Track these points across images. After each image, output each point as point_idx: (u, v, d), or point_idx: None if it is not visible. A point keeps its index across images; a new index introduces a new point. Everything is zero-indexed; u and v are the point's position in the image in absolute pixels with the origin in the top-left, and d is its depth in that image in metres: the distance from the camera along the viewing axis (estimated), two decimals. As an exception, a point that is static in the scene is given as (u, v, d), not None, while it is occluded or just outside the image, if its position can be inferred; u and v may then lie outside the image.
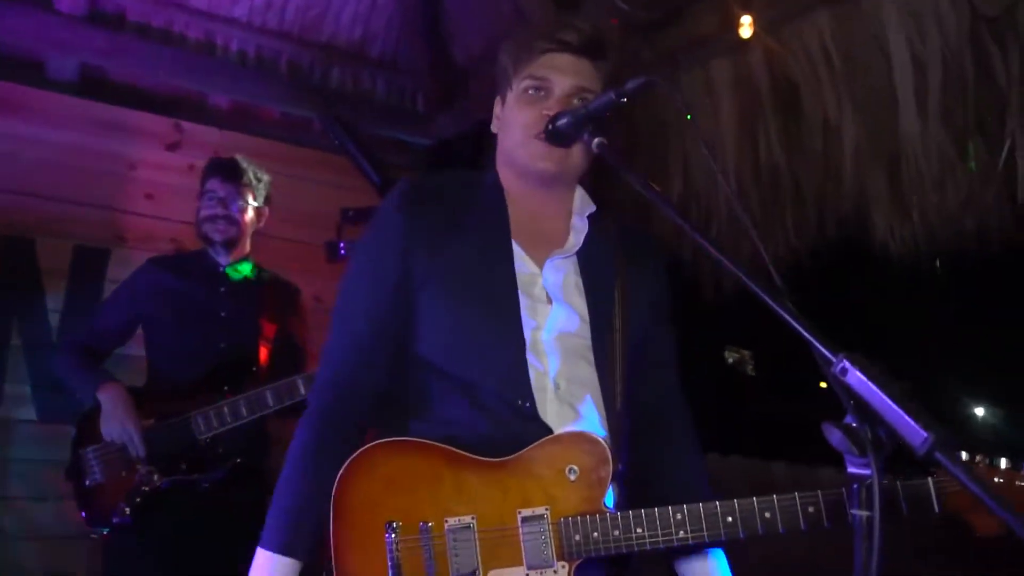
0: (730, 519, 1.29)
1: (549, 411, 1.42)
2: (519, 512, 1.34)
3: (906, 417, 0.86)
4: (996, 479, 1.25)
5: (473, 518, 1.35)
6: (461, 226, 1.52)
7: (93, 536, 2.77)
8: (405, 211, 1.53)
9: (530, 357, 1.44)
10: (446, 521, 1.36)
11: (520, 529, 1.34)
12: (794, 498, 1.28)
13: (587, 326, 1.50)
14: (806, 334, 1.02)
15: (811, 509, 1.28)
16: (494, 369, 1.42)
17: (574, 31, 1.51)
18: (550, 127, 1.45)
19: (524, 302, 1.48)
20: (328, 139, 4.69)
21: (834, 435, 0.95)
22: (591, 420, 1.44)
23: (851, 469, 0.97)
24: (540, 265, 1.53)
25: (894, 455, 0.94)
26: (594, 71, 1.53)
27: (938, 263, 3.63)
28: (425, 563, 1.34)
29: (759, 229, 3.84)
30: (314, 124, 4.75)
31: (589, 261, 1.57)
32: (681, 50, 3.70)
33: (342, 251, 3.30)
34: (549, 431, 1.39)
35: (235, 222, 2.96)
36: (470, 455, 1.37)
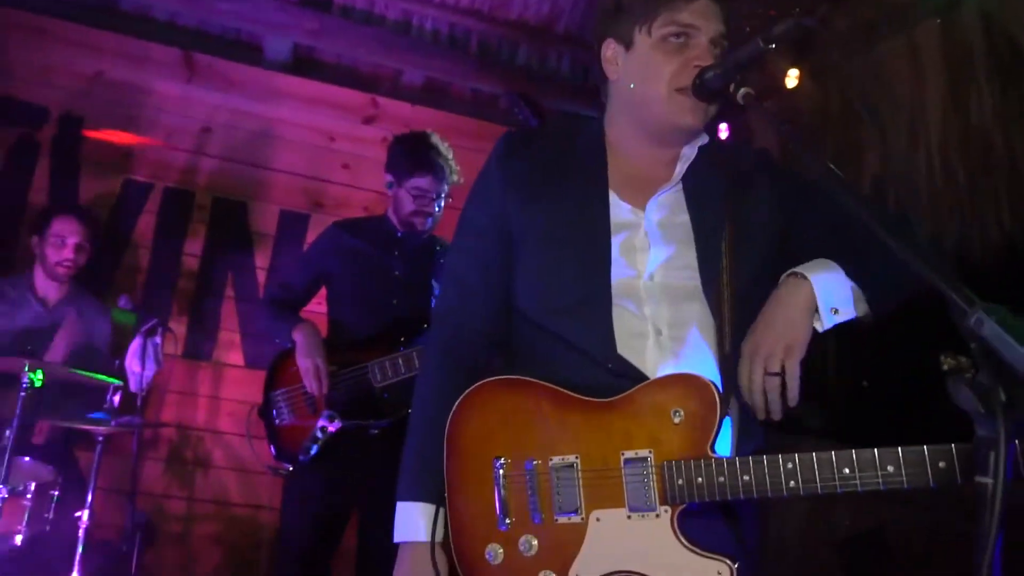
0: (847, 471, 1.17)
1: (648, 359, 1.38)
2: (623, 454, 1.31)
3: None
4: None
5: (577, 458, 1.34)
6: (558, 177, 1.51)
7: (280, 472, 3.04)
8: (503, 164, 1.54)
9: (628, 304, 1.41)
10: (550, 460, 1.36)
11: (623, 471, 1.31)
12: (922, 450, 1.14)
13: (694, 264, 1.44)
14: (939, 281, 0.91)
15: (942, 464, 1.13)
16: (578, 323, 1.41)
17: None
18: (698, 82, 1.39)
19: (620, 249, 1.44)
20: (515, 115, 4.84)
21: (962, 392, 0.85)
22: (699, 364, 1.38)
23: (980, 432, 0.87)
24: (642, 207, 1.48)
25: None
26: (725, 14, 1.46)
27: None
28: (529, 500, 1.36)
29: (967, 206, 3.46)
30: (501, 100, 4.89)
31: (696, 191, 1.50)
32: (881, 17, 3.41)
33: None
34: (646, 379, 1.35)
35: (439, 216, 3.12)
36: (576, 395, 1.36)
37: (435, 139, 3.14)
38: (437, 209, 3.09)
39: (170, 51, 4.35)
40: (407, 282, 3.09)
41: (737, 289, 1.42)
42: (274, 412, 3.02)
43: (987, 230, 3.40)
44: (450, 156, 3.14)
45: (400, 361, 2.87)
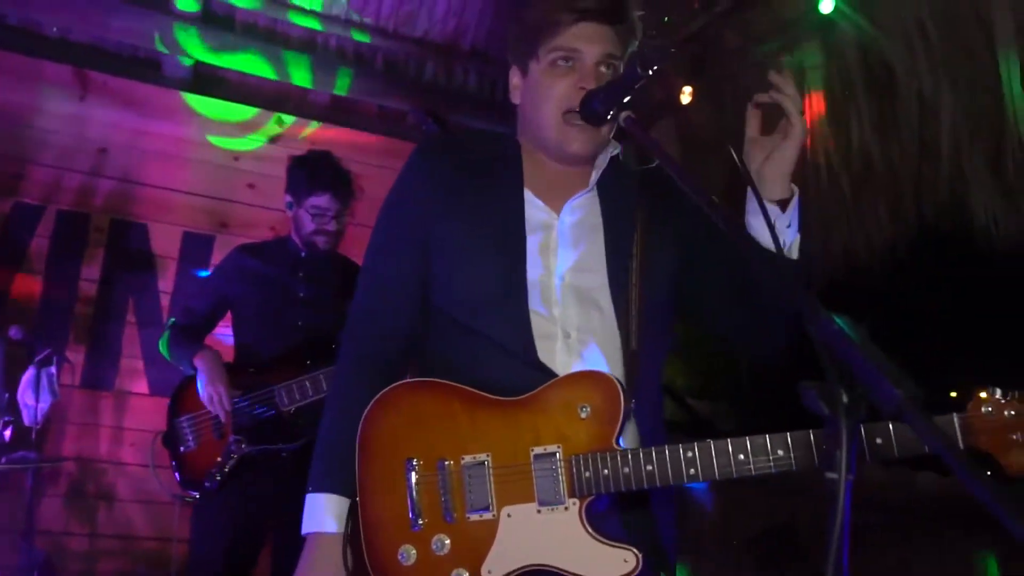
0: (741, 456, 1.26)
1: (558, 360, 1.43)
2: (532, 450, 1.35)
3: (877, 375, 0.82)
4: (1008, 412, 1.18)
5: (488, 455, 1.37)
6: (475, 181, 1.55)
7: (187, 500, 2.97)
8: (422, 169, 1.58)
9: (538, 306, 1.46)
10: (462, 459, 1.38)
11: (532, 466, 1.35)
12: (808, 434, 1.24)
13: (603, 267, 1.49)
14: (792, 292, 0.99)
15: (825, 447, 1.22)
16: (498, 320, 1.44)
17: None
18: (584, 109, 1.43)
19: (535, 250, 1.49)
20: (423, 132, 4.87)
21: (807, 395, 0.92)
22: (603, 363, 1.44)
23: (827, 431, 0.94)
24: (558, 211, 1.54)
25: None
26: (616, 36, 1.51)
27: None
28: (442, 499, 1.38)
29: (852, 214, 3.68)
30: (408, 117, 4.91)
31: (609, 196, 1.56)
32: (769, 32, 3.61)
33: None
34: (555, 377, 1.39)
35: (341, 234, 3.12)
36: (486, 395, 1.40)
37: (332, 158, 3.15)
38: (337, 227, 3.08)
39: (62, 68, 4.20)
40: (312, 303, 3.07)
41: (644, 292, 1.48)
42: (179, 439, 2.95)
43: (871, 239, 3.63)
44: (348, 174, 3.14)
45: (307, 383, 2.85)
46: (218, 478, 2.83)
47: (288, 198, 3.13)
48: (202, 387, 2.86)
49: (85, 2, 4.19)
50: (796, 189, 1.44)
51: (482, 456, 1.38)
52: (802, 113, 1.39)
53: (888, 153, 3.48)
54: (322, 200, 3.04)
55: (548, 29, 1.49)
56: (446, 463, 1.39)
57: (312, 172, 3.08)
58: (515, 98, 1.62)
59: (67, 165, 4.13)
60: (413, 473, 1.40)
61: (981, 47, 3.11)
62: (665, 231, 1.55)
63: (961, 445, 1.20)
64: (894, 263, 3.58)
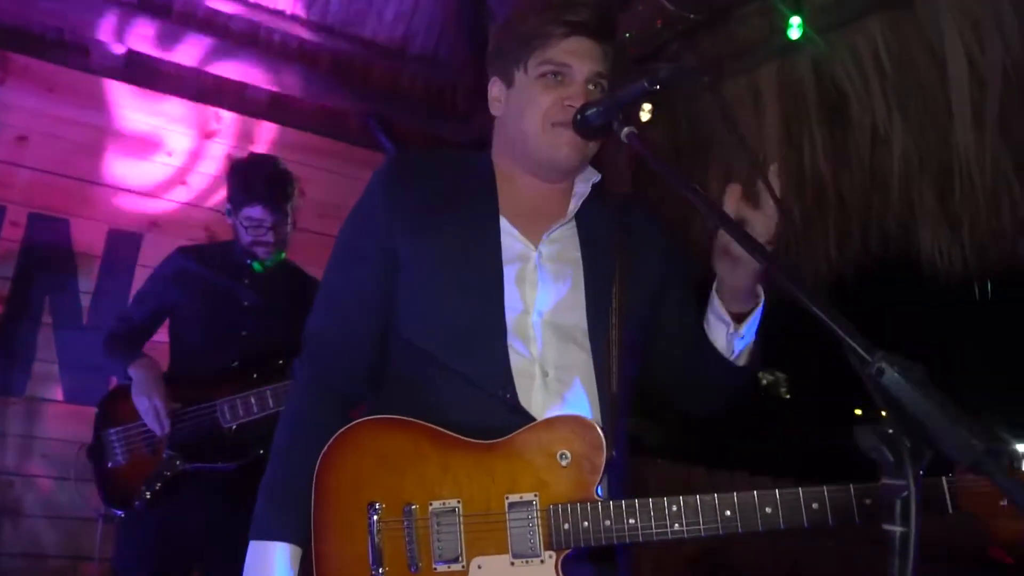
0: (728, 512, 1.19)
1: (535, 401, 1.34)
2: (507, 497, 1.25)
3: (949, 423, 0.77)
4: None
5: (459, 502, 1.26)
6: (447, 206, 1.46)
7: (109, 518, 2.76)
8: (389, 190, 1.47)
9: (516, 343, 1.37)
10: (430, 504, 1.27)
11: (507, 515, 1.24)
12: (797, 493, 1.18)
13: (582, 304, 1.42)
14: (839, 330, 0.92)
15: (815, 506, 1.17)
16: (474, 357, 1.35)
17: (588, 12, 1.45)
18: (579, 118, 1.38)
19: (512, 284, 1.40)
20: (365, 134, 4.72)
21: (867, 439, 0.85)
22: (579, 408, 1.35)
23: (885, 479, 0.87)
24: (535, 242, 1.45)
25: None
26: (604, 54, 1.47)
27: (988, 286, 3.45)
28: (407, 547, 1.26)
29: (801, 241, 3.70)
30: (351, 119, 4.75)
31: (589, 228, 1.49)
32: (727, 55, 3.60)
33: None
34: (533, 421, 1.30)
35: (284, 242, 2.93)
36: (458, 436, 1.29)
37: (270, 165, 2.94)
38: (277, 237, 2.89)
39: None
40: (259, 312, 2.88)
41: (623, 332, 1.41)
42: (106, 453, 2.73)
43: (818, 267, 3.65)
44: (287, 181, 2.92)
45: (252, 399, 2.67)
46: (147, 496, 2.62)
47: (227, 205, 2.94)
48: (137, 398, 2.66)
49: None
50: (761, 296, 1.41)
51: (452, 502, 1.26)
52: (773, 234, 1.33)
53: (839, 181, 3.50)
54: (255, 211, 2.84)
55: (539, 40, 1.45)
56: (412, 508, 1.27)
57: (245, 181, 2.86)
58: (495, 110, 1.55)
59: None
60: (376, 517, 1.28)
61: (934, 80, 3.15)
62: (642, 270, 1.49)
63: (950, 509, 1.16)
64: (840, 292, 3.61)
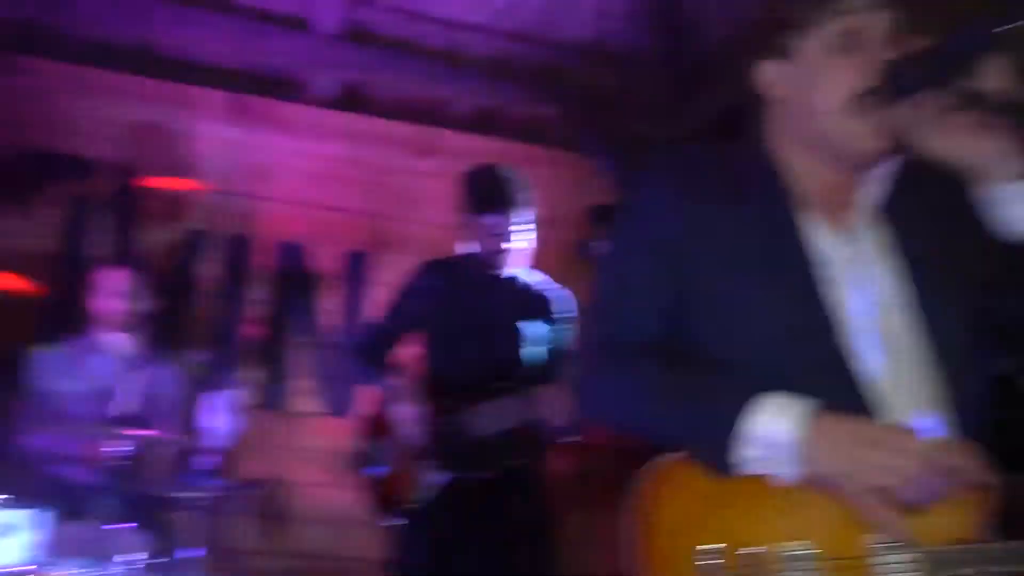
0: None
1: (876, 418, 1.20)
2: (870, 539, 1.13)
3: None
4: None
5: (811, 545, 1.15)
6: (731, 205, 1.31)
7: (379, 524, 2.89)
8: (670, 181, 1.36)
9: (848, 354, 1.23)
10: (779, 549, 1.15)
11: (874, 561, 1.11)
12: None
13: (902, 305, 1.26)
14: None
15: None
16: (802, 366, 1.21)
17: None
18: (889, 85, 1.19)
19: (824, 283, 1.26)
20: (569, 138, 4.67)
21: None
22: (933, 421, 1.20)
23: None
24: (838, 236, 1.30)
25: None
26: (896, 19, 1.28)
27: None
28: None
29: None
30: (555, 124, 4.72)
31: (899, 215, 1.32)
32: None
33: (593, 249, 3.22)
34: None
35: (521, 251, 2.95)
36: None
37: (497, 172, 2.96)
38: (513, 245, 2.91)
39: (214, 93, 4.32)
40: (502, 324, 2.94)
41: (956, 334, 1.25)
42: (371, 463, 2.90)
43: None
44: (518, 185, 2.93)
45: (502, 409, 2.73)
46: (413, 504, 2.75)
47: (463, 215, 2.98)
48: (397, 408, 2.80)
49: (238, 29, 4.23)
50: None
51: (803, 546, 1.17)
52: None
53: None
54: (490, 220, 2.89)
55: (833, 4, 1.27)
56: (757, 553, 1.17)
57: (477, 190, 2.93)
58: (773, 92, 1.37)
59: (227, 189, 4.24)
60: (707, 565, 1.16)
61: None
62: (972, 258, 1.27)
63: None
64: None
